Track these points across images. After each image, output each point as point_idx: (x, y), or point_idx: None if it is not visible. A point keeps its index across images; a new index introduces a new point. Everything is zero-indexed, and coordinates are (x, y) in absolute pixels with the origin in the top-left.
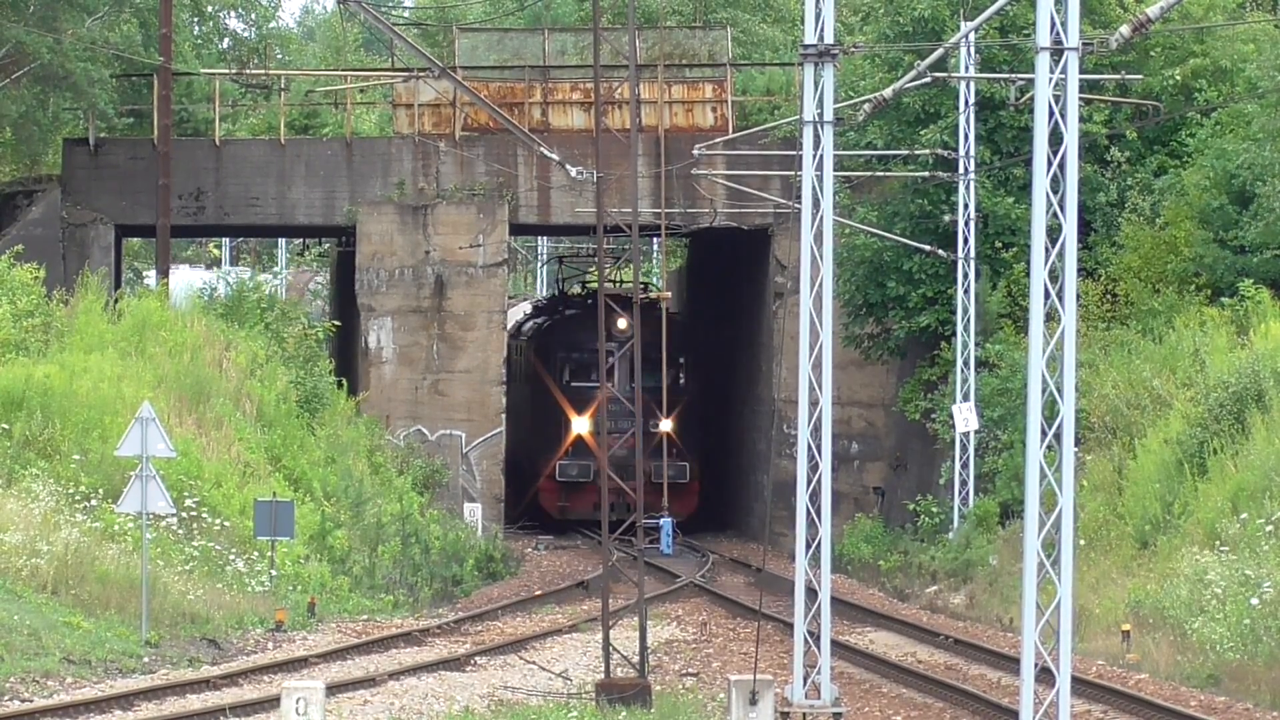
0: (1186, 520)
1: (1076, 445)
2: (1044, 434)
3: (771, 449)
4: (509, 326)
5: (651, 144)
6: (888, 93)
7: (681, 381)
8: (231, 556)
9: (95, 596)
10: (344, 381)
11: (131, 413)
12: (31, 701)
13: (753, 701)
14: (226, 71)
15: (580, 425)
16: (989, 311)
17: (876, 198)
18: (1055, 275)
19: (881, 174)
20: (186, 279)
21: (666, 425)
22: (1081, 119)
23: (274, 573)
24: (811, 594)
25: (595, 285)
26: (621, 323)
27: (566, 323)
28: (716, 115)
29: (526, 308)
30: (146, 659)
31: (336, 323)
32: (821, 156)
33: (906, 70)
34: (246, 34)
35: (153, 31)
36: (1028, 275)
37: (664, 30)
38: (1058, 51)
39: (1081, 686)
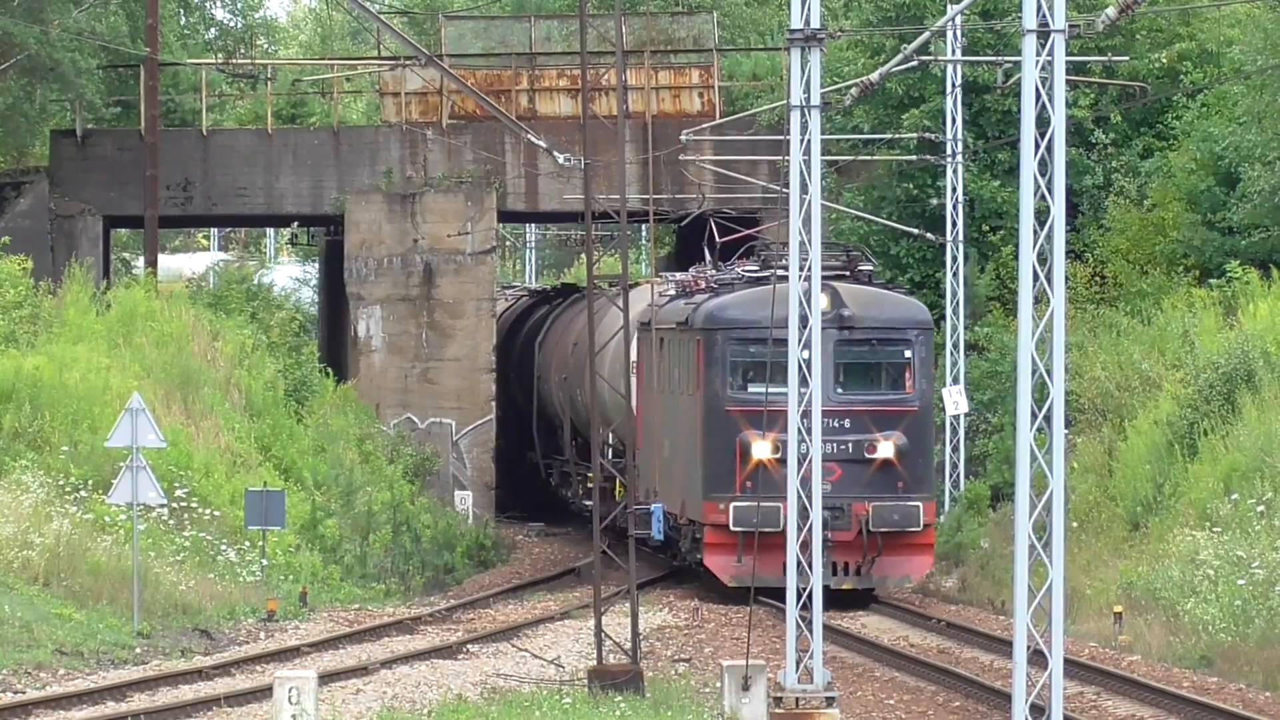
0: (1178, 501)
1: (1067, 427)
2: (1034, 416)
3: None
4: (636, 314)
5: (639, 130)
6: (875, 76)
7: (908, 387)
8: (223, 546)
9: (87, 588)
10: (330, 370)
11: (120, 403)
12: (24, 693)
13: (745, 687)
14: (213, 61)
15: (761, 450)
16: (977, 295)
17: (863, 182)
18: (1043, 258)
19: (867, 158)
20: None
21: (887, 449)
22: (1067, 102)
23: (265, 562)
24: None
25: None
26: (824, 300)
27: (738, 306)
28: (704, 101)
29: (646, 291)
30: (139, 650)
31: (318, 305)
32: (809, 141)
33: (890, 55)
34: (233, 24)
35: (139, 22)
36: (1016, 258)
37: (649, 16)
38: (1044, 34)
39: (1074, 668)
